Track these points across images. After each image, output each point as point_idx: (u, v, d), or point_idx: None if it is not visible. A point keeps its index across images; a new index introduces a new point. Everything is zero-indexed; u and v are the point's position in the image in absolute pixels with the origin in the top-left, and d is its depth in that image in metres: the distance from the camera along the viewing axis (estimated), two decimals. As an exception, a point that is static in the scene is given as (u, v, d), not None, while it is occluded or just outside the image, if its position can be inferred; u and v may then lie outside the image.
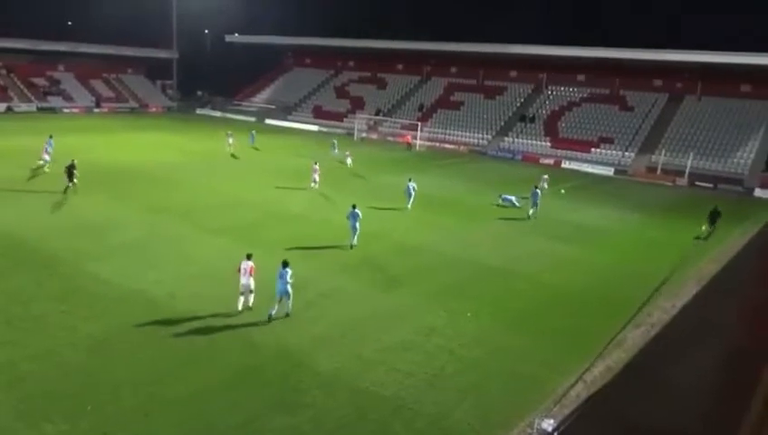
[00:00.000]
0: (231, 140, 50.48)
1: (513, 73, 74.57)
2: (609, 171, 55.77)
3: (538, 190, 34.16)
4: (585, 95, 68.02)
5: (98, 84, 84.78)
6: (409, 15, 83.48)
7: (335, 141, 56.09)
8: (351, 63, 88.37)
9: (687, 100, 62.67)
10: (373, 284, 21.20)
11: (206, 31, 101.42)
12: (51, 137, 39.19)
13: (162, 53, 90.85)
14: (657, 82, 65.17)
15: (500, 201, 36.36)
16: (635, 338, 17.65)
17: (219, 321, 17.14)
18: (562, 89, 70.39)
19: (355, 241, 25.14)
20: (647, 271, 24.98)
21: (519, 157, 61.05)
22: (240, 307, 17.85)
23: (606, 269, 25.21)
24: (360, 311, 18.65)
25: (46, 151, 37.23)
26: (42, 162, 36.61)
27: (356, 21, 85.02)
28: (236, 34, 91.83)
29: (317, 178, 36.95)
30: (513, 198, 36.22)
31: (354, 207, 25.40)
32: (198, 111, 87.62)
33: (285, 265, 17.59)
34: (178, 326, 16.61)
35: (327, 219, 29.02)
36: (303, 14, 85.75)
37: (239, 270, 17.98)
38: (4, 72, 77.16)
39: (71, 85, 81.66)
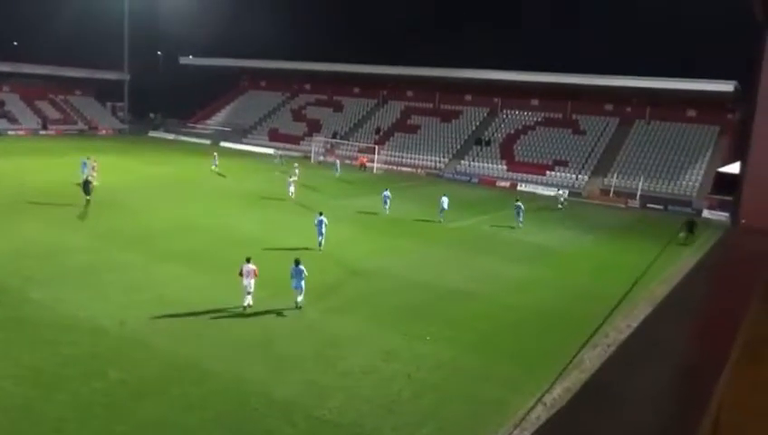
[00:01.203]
0: (216, 162, 52.94)
1: (469, 97, 75.78)
2: (564, 193, 56.90)
3: (520, 204, 38.32)
4: (539, 119, 69.52)
5: (44, 106, 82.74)
6: (366, 39, 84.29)
7: (280, 152, 58.23)
8: (308, 86, 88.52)
9: (638, 124, 64.73)
10: (329, 309, 21.00)
11: (159, 52, 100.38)
12: (88, 158, 42.55)
13: (113, 75, 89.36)
14: (608, 107, 67.17)
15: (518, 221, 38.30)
16: (592, 358, 17.89)
17: (171, 350, 16.67)
18: (517, 113, 71.83)
19: (321, 247, 28.12)
20: (602, 291, 25.45)
21: (476, 180, 61.84)
22: (245, 304, 19.80)
23: (563, 290, 25.59)
24: (317, 336, 18.42)
25: (83, 171, 40.30)
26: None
27: (312, 44, 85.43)
28: (190, 56, 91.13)
29: (293, 190, 41.02)
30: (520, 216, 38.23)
31: (321, 214, 28.73)
32: (151, 134, 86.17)
33: (298, 262, 20.40)
34: (129, 357, 16.08)
35: (283, 244, 28.74)
36: (259, 37, 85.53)
37: (241, 273, 19.84)
38: (-57, 92, 74.70)
39: (16, 107, 79.46)
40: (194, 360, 16.18)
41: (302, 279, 20.20)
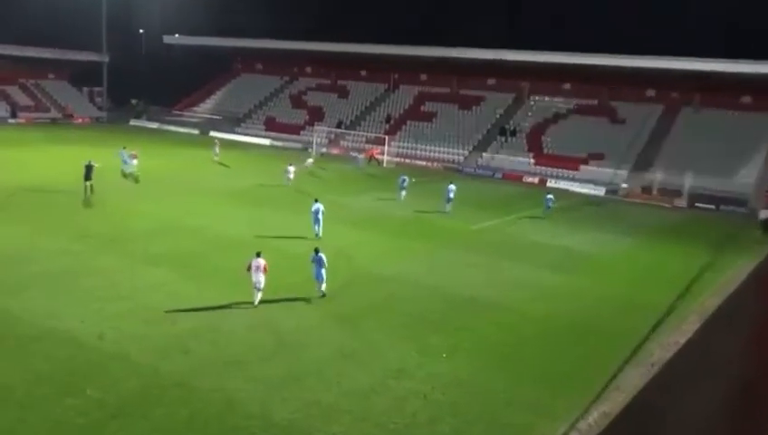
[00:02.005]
0: (218, 150, 56.31)
1: (492, 81, 75.72)
2: (600, 191, 56.79)
3: (551, 196, 42.04)
4: (572, 106, 69.40)
5: (14, 91, 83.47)
6: (374, 16, 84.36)
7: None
8: (309, 69, 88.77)
9: (685, 112, 64.45)
10: (335, 317, 21.04)
11: (141, 31, 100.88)
12: (124, 148, 46.64)
13: (90, 56, 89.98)
14: (651, 92, 66.95)
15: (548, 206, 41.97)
16: (634, 378, 17.81)
17: (154, 366, 16.75)
18: (547, 99, 71.72)
19: (320, 233, 30.40)
20: (644, 302, 25.36)
21: (499, 175, 61.77)
22: (256, 302, 21.07)
23: (599, 300, 25.51)
24: (319, 351, 18.46)
25: (125, 162, 44.66)
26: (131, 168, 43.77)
27: (314, 21, 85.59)
28: (176, 35, 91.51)
29: (291, 178, 44.41)
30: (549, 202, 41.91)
31: (316, 200, 30.97)
32: (132, 123, 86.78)
33: (318, 251, 22.33)
34: (107, 373, 16.18)
35: (278, 248, 28.80)
36: (254, 13, 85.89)
37: (249, 268, 20.95)
38: None
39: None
40: (180, 377, 16.24)
41: (322, 267, 22.13)
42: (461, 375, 17.63)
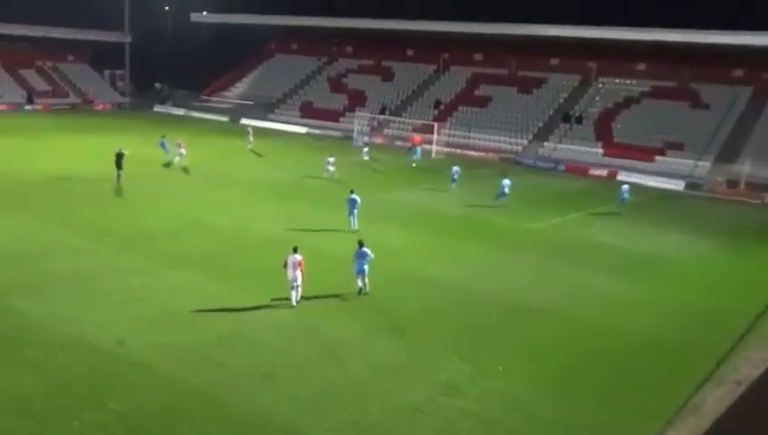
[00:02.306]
0: (251, 138, 58.24)
1: (555, 62, 74.98)
2: (679, 185, 55.74)
3: (626, 187, 42.50)
4: (646, 89, 68.27)
5: (30, 75, 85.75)
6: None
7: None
8: (349, 49, 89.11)
9: (777, 95, 62.90)
10: (376, 328, 21.14)
11: (167, 8, 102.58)
12: (164, 136, 49.61)
13: (111, 36, 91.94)
14: (739, 73, 65.43)
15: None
16: (716, 399, 17.50)
17: (179, 377, 17.09)
18: (617, 81, 70.69)
19: (355, 227, 31.57)
20: (726, 312, 24.91)
21: (562, 167, 61.12)
22: (294, 302, 21.83)
23: (673, 310, 25.14)
24: (360, 364, 18.58)
25: (166, 151, 47.88)
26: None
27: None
28: (204, 13, 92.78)
29: (331, 169, 45.37)
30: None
31: (352, 191, 32.38)
32: (157, 109, 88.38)
33: (362, 244, 23.15)
34: (129, 384, 16.57)
35: (313, 247, 29.01)
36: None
37: (285, 265, 21.67)
38: None
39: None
40: (207, 390, 16.52)
41: (365, 262, 22.96)
42: (518, 394, 17.55)
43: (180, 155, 46.98)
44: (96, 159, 46.51)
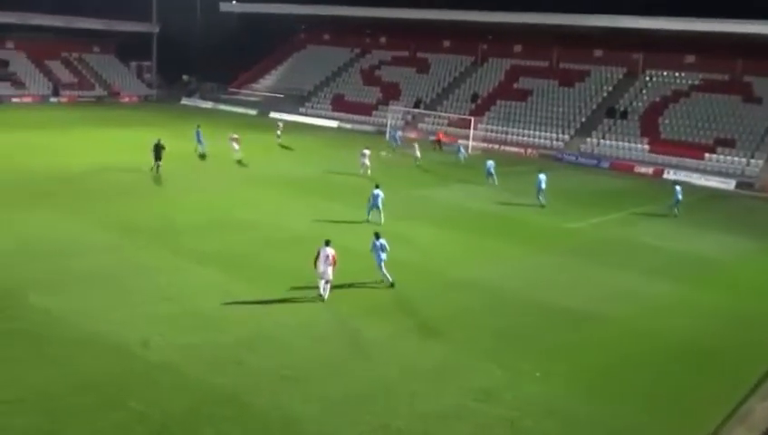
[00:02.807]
0: (279, 132, 59.08)
1: (598, 53, 74.39)
2: (729, 184, 55.06)
3: (679, 188, 41.20)
4: (696, 82, 67.47)
5: (56, 66, 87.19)
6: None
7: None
8: (383, 40, 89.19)
9: (837, 88, 61.77)
10: (406, 329, 21.22)
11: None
12: (199, 126, 51.03)
13: (138, 27, 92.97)
14: (795, 65, 64.38)
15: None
16: (764, 410, 17.33)
17: (203, 379, 17.31)
18: (665, 74, 69.90)
19: (382, 220, 32.42)
20: (776, 319, 24.63)
21: (606, 164, 60.65)
22: (325, 296, 22.35)
23: (720, 315, 24.91)
24: (389, 366, 18.66)
25: (200, 142, 49.55)
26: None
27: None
28: (234, 2, 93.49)
29: (367, 163, 45.46)
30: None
31: (377, 186, 33.51)
32: (184, 101, 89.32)
33: (378, 236, 24.00)
34: (153, 384, 16.81)
35: (342, 245, 29.12)
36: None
37: (318, 257, 21.98)
38: (-60, 51, 79.94)
39: (22, 67, 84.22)
40: (231, 391, 16.71)
41: (382, 252, 23.80)
42: (554, 400, 17.49)
43: (235, 150, 49.06)
44: (122, 153, 47.32)
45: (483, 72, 79.51)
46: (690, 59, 69.11)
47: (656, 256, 31.95)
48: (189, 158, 47.10)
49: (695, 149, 59.67)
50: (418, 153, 52.21)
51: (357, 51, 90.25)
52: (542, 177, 40.41)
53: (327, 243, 22.48)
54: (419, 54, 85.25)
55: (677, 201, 40.51)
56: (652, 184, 52.05)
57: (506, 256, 30.31)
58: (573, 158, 62.52)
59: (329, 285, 22.54)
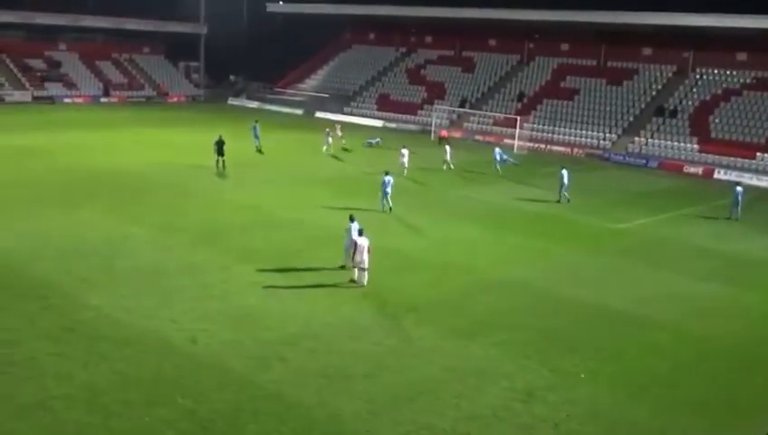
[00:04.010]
0: (330, 139, 54.90)
1: (647, 51, 73.34)
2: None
3: (740, 189, 39.45)
4: (748, 80, 66.14)
5: (106, 67, 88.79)
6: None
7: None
8: (429, 39, 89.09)
9: None
10: (449, 330, 21.18)
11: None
12: (256, 121, 53.64)
13: (187, 28, 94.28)
14: None
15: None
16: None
17: (248, 376, 17.52)
18: (716, 72, 68.64)
19: (389, 205, 34.69)
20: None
21: (655, 164, 59.81)
22: (365, 282, 23.70)
23: (774, 319, 24.45)
24: (433, 367, 18.66)
25: (256, 136, 52.05)
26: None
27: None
28: (281, 2, 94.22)
29: (405, 163, 45.76)
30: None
31: (386, 173, 35.06)
32: (231, 101, 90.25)
33: (352, 219, 25.07)
34: (200, 381, 17.06)
35: (396, 248, 29.25)
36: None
37: (354, 249, 23.34)
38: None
39: (73, 68, 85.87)
40: (276, 389, 16.90)
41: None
42: (601, 403, 17.34)
43: (327, 144, 52.80)
44: (171, 153, 48.06)
45: (529, 70, 78.96)
46: (742, 57, 67.77)
47: (705, 258, 31.43)
48: (238, 156, 47.50)
49: (746, 149, 58.52)
50: (449, 156, 50.12)
51: (402, 50, 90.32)
52: (565, 172, 40.55)
53: (360, 233, 23.77)
54: (465, 53, 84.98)
55: (737, 202, 39.15)
56: (702, 184, 51.18)
57: (551, 256, 30.10)
58: (621, 157, 61.77)
59: (365, 273, 23.68)
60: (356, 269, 23.85)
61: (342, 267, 25.26)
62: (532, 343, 20.59)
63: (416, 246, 29.77)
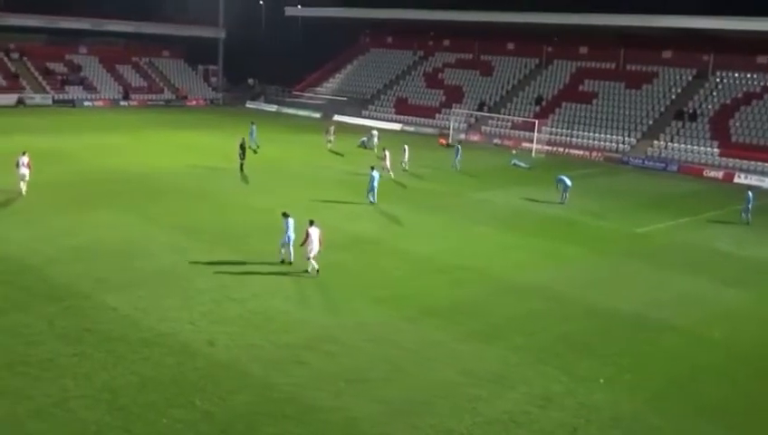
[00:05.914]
0: (332, 137, 57.31)
1: (667, 54, 72.87)
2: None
3: (751, 194, 39.31)
4: (769, 84, 65.70)
5: (126, 71, 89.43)
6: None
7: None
8: (447, 43, 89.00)
9: None
10: (467, 334, 21.13)
11: (261, 2, 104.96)
12: (253, 123, 54.63)
13: (205, 32, 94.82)
14: None
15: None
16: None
17: (267, 379, 17.55)
18: (736, 75, 68.09)
19: (373, 199, 36.76)
20: None
21: (674, 167, 59.41)
22: (311, 270, 24.93)
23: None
24: (450, 371, 18.62)
25: (252, 138, 52.09)
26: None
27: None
28: (299, 6, 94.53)
29: (406, 160, 47.74)
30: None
31: (373, 168, 37.16)
32: (249, 105, 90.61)
33: (286, 215, 25.99)
34: (218, 384, 17.10)
35: (400, 248, 29.24)
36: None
37: (307, 237, 24.64)
38: (16, 55, 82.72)
39: (94, 72, 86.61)
40: (294, 392, 16.91)
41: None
42: (620, 409, 17.21)
43: (363, 144, 57.01)
44: (190, 156, 48.30)
45: (547, 74, 78.69)
46: (762, 60, 67.18)
47: (726, 262, 31.19)
48: (256, 160, 47.68)
49: (767, 153, 58.02)
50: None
51: (420, 54, 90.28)
52: (565, 177, 41.19)
53: (311, 223, 25.11)
54: (483, 57, 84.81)
55: (748, 207, 39.13)
56: (722, 188, 50.77)
57: (570, 260, 29.97)
58: (640, 161, 61.39)
59: (314, 261, 24.90)
60: (311, 259, 24.83)
61: (283, 262, 26.09)
62: (549, 348, 20.50)
63: (432, 248, 29.73)
